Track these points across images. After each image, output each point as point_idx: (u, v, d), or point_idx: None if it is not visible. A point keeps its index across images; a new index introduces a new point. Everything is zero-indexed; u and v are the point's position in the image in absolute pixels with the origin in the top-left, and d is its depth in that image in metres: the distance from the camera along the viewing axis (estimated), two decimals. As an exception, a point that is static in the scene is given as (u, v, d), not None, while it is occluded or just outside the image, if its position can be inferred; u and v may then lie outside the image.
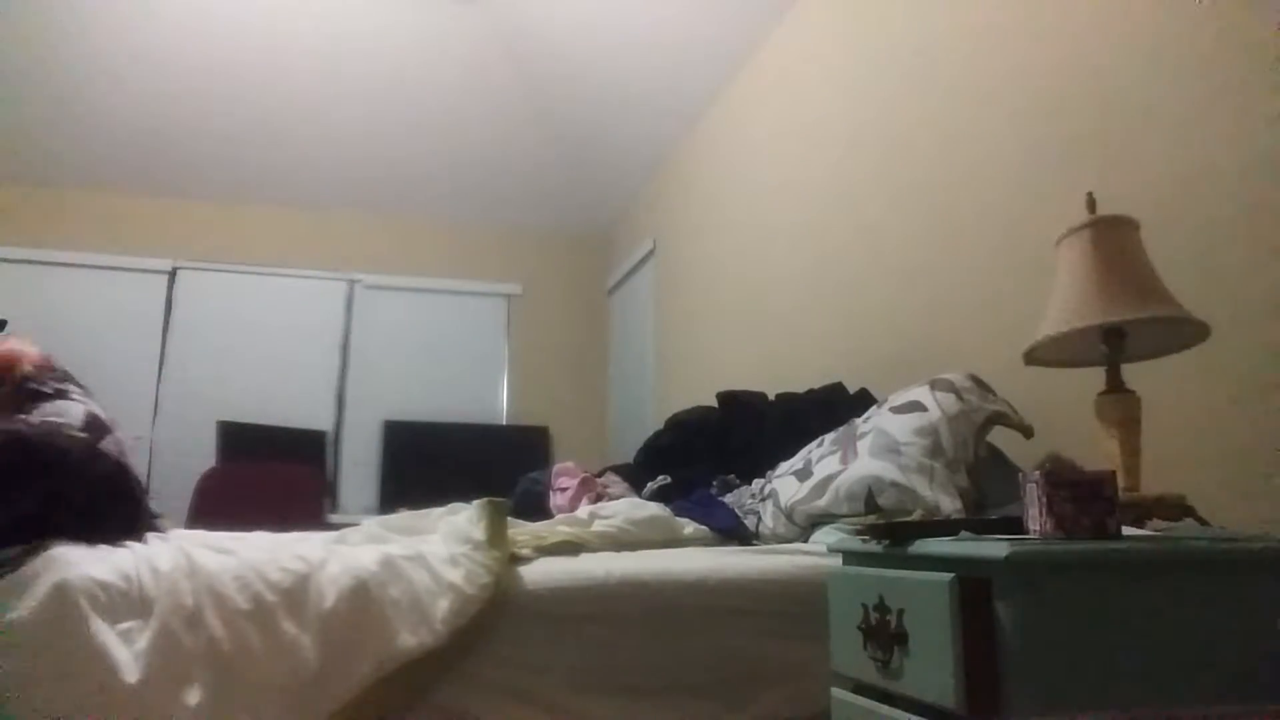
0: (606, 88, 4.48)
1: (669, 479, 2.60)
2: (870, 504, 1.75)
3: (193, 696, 1.19)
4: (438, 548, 1.46)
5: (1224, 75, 1.58)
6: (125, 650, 1.19)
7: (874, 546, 1.11)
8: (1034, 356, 1.50)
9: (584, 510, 1.92)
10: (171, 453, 5.00)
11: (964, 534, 1.04)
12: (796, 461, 2.13)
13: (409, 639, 1.29)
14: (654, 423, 3.84)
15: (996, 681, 0.89)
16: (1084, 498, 0.96)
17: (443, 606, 1.32)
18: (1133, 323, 1.34)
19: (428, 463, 5.24)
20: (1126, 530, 1.08)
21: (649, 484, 2.63)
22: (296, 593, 1.30)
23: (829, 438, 2.10)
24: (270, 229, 5.48)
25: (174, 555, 1.32)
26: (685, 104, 4.30)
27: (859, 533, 1.16)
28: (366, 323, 5.51)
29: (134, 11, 4.23)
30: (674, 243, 4.68)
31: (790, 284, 3.31)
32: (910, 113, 2.58)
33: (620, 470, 2.91)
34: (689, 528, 1.94)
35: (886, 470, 1.75)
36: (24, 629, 1.16)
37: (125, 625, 1.22)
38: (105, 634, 1.19)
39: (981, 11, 2.27)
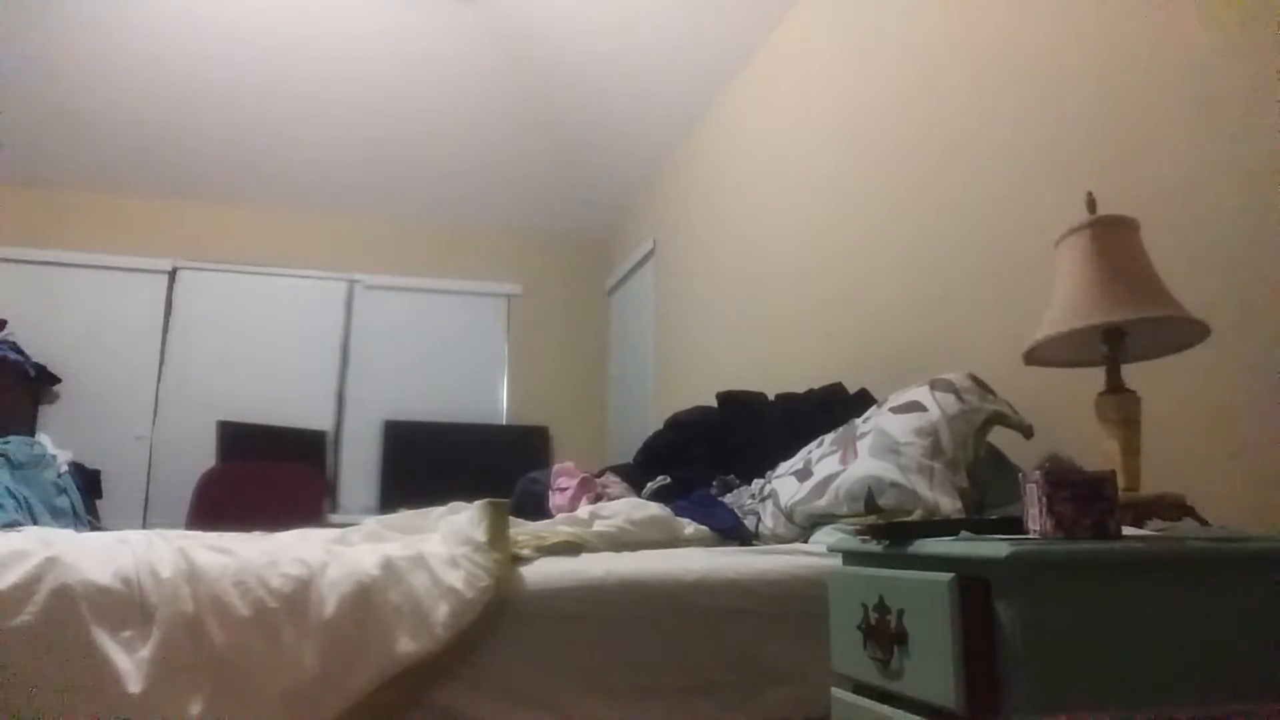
0: (607, 88, 4.48)
1: (669, 479, 2.59)
2: (870, 504, 1.75)
3: (195, 706, 1.19)
4: (438, 548, 1.46)
5: (1224, 75, 1.58)
6: (127, 659, 1.19)
7: (874, 546, 1.11)
8: (1034, 356, 1.50)
9: (584, 510, 1.92)
10: (171, 453, 5.01)
11: (964, 534, 1.04)
12: (796, 462, 2.13)
13: (409, 644, 1.29)
14: (654, 423, 3.83)
15: (996, 681, 0.89)
16: (1084, 498, 0.96)
17: (443, 611, 1.32)
18: (1133, 323, 1.34)
19: (428, 463, 5.24)
20: (1126, 530, 1.08)
21: (648, 484, 2.63)
22: (297, 599, 1.29)
23: (829, 438, 2.10)
24: (270, 229, 5.48)
25: (174, 559, 1.31)
26: (685, 104, 4.30)
27: (859, 533, 1.16)
28: (366, 323, 5.51)
29: (134, 12, 4.23)
30: (674, 243, 4.68)
31: (790, 284, 3.31)
32: (910, 112, 2.58)
33: (620, 470, 2.91)
34: (689, 528, 1.94)
35: (886, 470, 1.75)
36: (25, 636, 1.16)
37: (127, 633, 1.22)
38: (106, 643, 1.19)
39: (981, 12, 2.27)
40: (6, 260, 5.02)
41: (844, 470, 1.86)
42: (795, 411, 2.53)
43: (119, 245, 5.20)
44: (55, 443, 3.97)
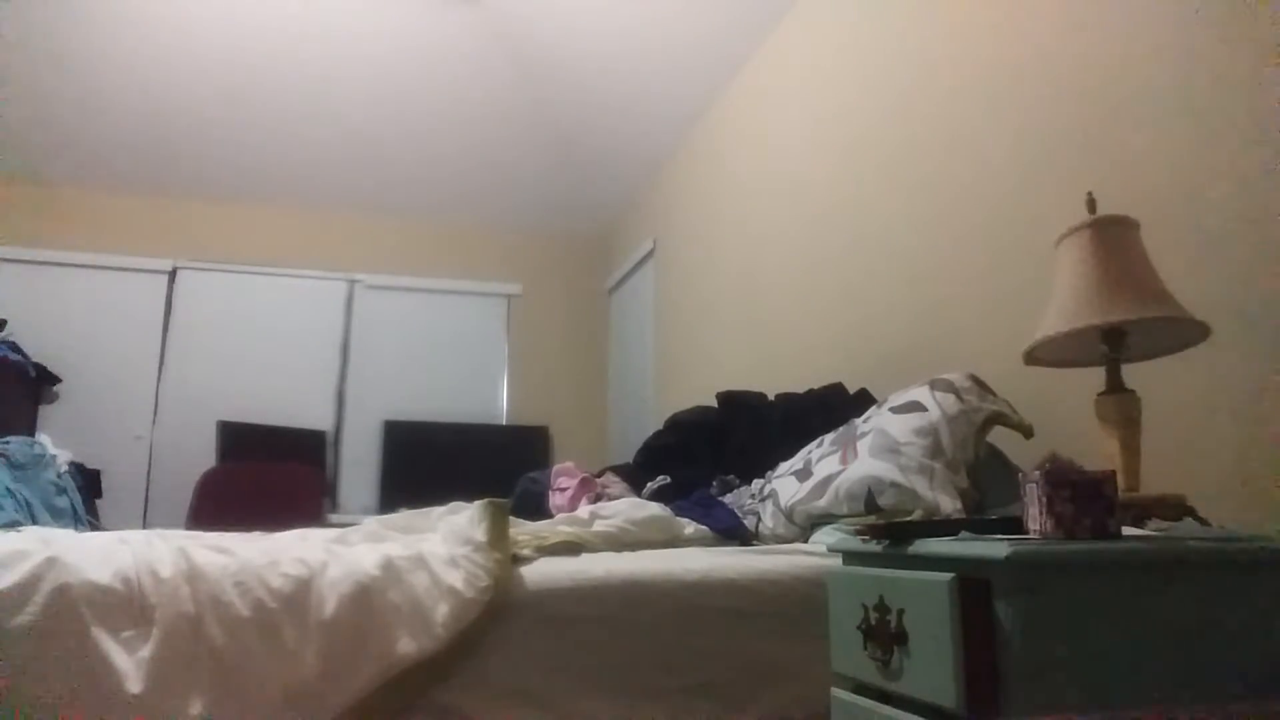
0: (607, 88, 4.48)
1: (669, 479, 2.59)
2: (870, 504, 1.75)
3: (195, 706, 1.19)
4: (438, 548, 1.46)
5: (1224, 75, 1.58)
6: (127, 659, 1.19)
7: (874, 546, 1.11)
8: (1034, 356, 1.50)
9: (584, 510, 1.92)
10: (171, 453, 5.00)
11: (964, 534, 1.04)
12: (796, 462, 2.13)
13: (409, 645, 1.29)
14: (654, 423, 3.84)
15: (996, 681, 0.89)
16: (1084, 498, 0.96)
17: (443, 611, 1.32)
18: (1133, 323, 1.34)
19: (428, 463, 5.24)
20: (1126, 530, 1.08)
21: (648, 484, 2.63)
22: (297, 599, 1.29)
23: (829, 438, 2.10)
24: (270, 229, 5.48)
25: (174, 559, 1.31)
26: (685, 104, 4.30)
27: (859, 533, 1.16)
28: (366, 323, 5.51)
29: (134, 11, 4.23)
30: (674, 243, 4.68)
31: (790, 284, 3.31)
32: (910, 112, 2.58)
33: (620, 470, 2.91)
34: (689, 528, 1.94)
35: (886, 470, 1.75)
36: (25, 637, 1.16)
37: (127, 633, 1.22)
38: (106, 643, 1.19)
39: (981, 12, 2.27)
40: (6, 260, 5.01)
41: (844, 470, 1.86)
42: (795, 411, 2.53)
43: (119, 245, 5.20)
44: (55, 443, 3.97)
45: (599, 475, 2.83)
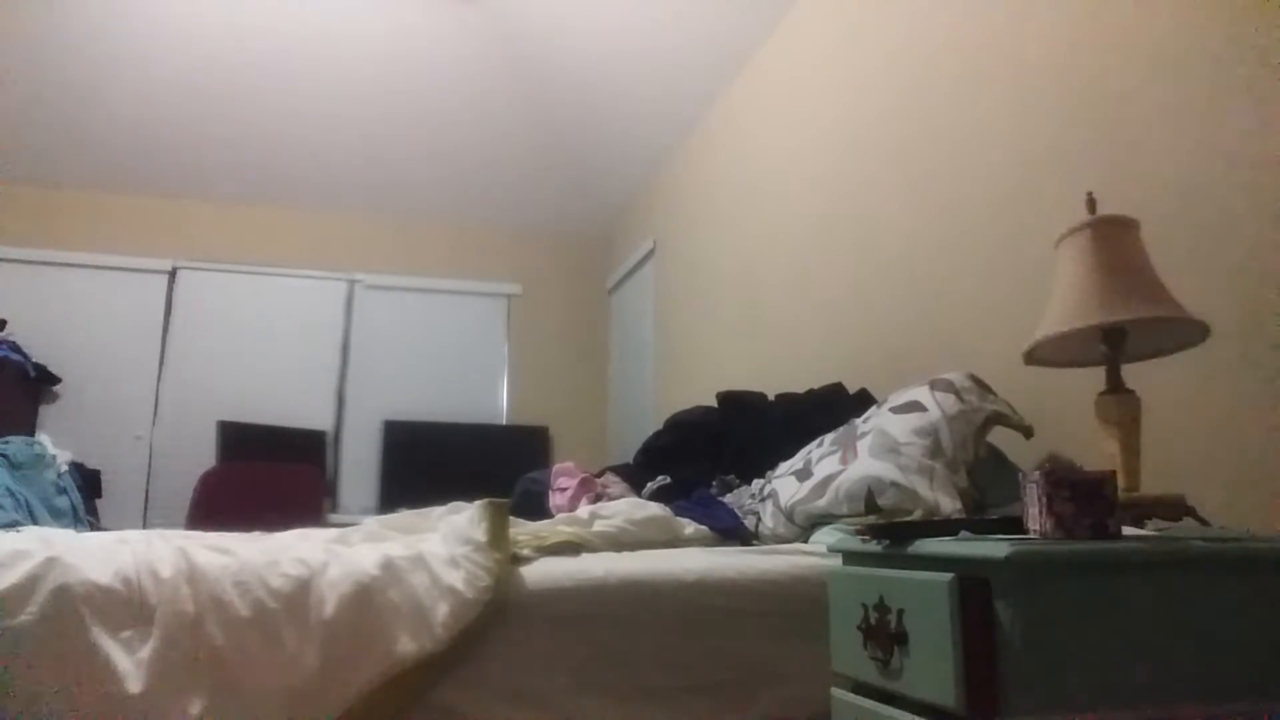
0: (607, 88, 4.48)
1: (669, 479, 2.59)
2: (870, 504, 1.75)
3: (195, 706, 1.19)
4: (438, 548, 1.46)
5: (1224, 75, 1.58)
6: (127, 659, 1.19)
7: (874, 546, 1.11)
8: (1034, 356, 1.50)
9: (584, 510, 1.92)
10: (171, 453, 5.00)
11: (964, 534, 1.04)
12: (796, 462, 2.13)
13: (409, 645, 1.29)
14: (654, 423, 3.83)
15: (996, 681, 0.89)
16: (1084, 498, 0.96)
17: (443, 611, 1.32)
18: (1133, 323, 1.34)
19: (428, 463, 5.24)
20: (1126, 530, 1.08)
21: (649, 484, 2.63)
22: (297, 599, 1.29)
23: (829, 438, 2.10)
24: (270, 229, 5.48)
25: (174, 559, 1.31)
26: (685, 104, 4.30)
27: (859, 533, 1.16)
28: (366, 323, 5.51)
29: (134, 12, 4.23)
30: (674, 243, 4.68)
31: (790, 284, 3.31)
32: (910, 112, 2.58)
33: (620, 470, 2.91)
34: (689, 528, 1.94)
35: (886, 470, 1.74)
36: (25, 636, 1.16)
37: (126, 633, 1.22)
38: (106, 642, 1.19)
39: (981, 12, 2.27)
40: (6, 260, 5.01)
41: (844, 470, 1.86)
42: (795, 411, 2.53)
43: (119, 245, 5.20)
44: (55, 443, 3.97)
45: (599, 475, 2.83)
